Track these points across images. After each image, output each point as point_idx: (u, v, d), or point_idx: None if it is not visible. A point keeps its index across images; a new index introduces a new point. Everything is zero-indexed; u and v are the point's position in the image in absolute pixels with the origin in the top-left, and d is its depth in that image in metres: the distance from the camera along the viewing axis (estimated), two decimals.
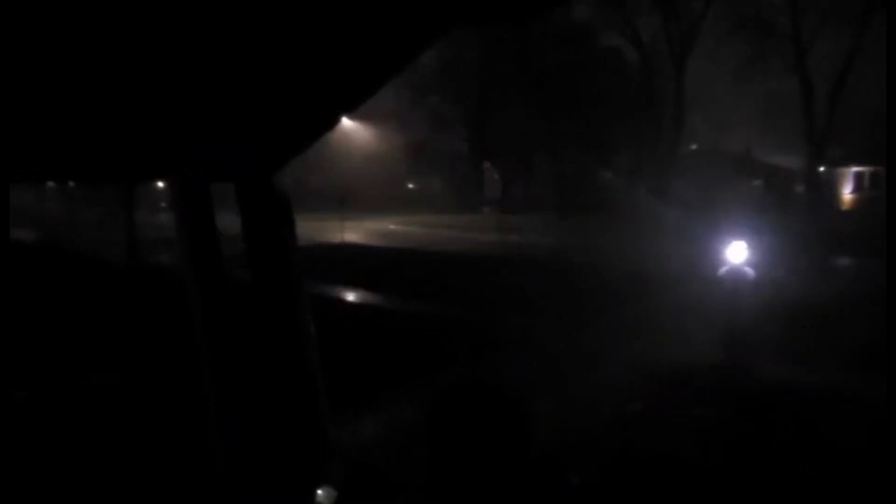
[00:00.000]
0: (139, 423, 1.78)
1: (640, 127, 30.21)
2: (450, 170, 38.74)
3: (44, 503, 1.64)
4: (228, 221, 1.71)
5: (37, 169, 1.44)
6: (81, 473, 1.70)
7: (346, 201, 23.65)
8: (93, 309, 8.11)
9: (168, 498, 1.75)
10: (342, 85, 1.29)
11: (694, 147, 35.39)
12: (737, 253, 6.78)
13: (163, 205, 26.91)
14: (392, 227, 27.06)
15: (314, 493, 1.52)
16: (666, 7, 28.77)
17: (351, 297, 11.46)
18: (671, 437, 4.77)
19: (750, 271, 6.71)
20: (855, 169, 30.54)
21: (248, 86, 1.23)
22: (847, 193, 30.82)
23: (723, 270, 6.82)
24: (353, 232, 22.56)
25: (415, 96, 33.42)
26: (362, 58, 1.17)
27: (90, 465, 1.72)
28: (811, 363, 6.69)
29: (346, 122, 32.97)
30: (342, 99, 1.36)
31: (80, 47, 0.97)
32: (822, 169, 29.71)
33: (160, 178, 1.65)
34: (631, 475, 4.14)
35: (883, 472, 3.64)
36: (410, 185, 42.98)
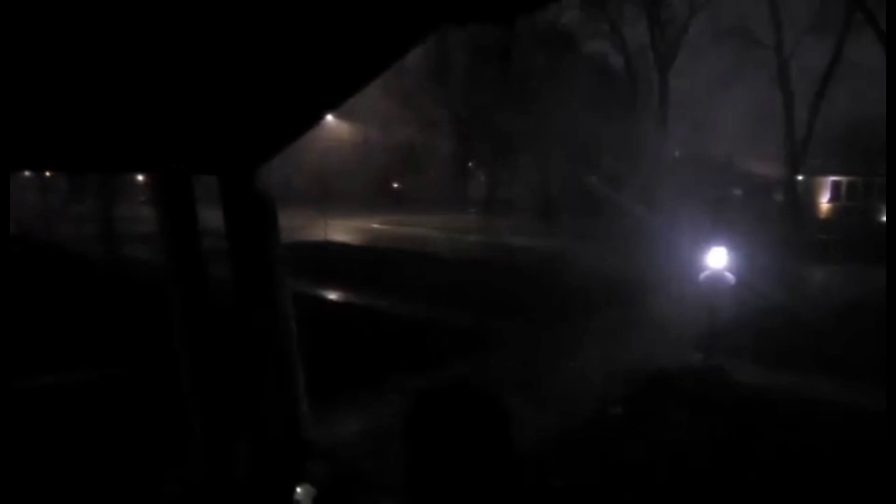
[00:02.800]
0: (117, 420, 1.75)
1: (625, 132, 30.49)
2: (435, 170, 38.75)
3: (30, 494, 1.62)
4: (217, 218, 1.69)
5: (32, 158, 1.43)
6: (50, 471, 1.67)
7: (330, 199, 23.57)
8: (66, 304, 7.98)
9: (150, 494, 1.72)
10: (327, 81, 1.29)
11: (677, 153, 35.81)
12: (716, 258, 6.87)
13: (142, 198, 26.57)
14: (376, 226, 27.01)
15: (293, 491, 1.51)
16: (651, 14, 29.11)
17: (332, 295, 11.41)
18: (651, 438, 4.82)
19: (729, 276, 6.81)
20: (832, 178, 31.13)
21: (232, 80, 1.22)
22: (824, 203, 31.41)
23: (703, 275, 6.90)
24: (337, 230, 22.48)
25: (402, 96, 33.36)
26: (348, 55, 1.16)
27: (63, 465, 1.70)
28: (788, 365, 6.80)
29: (331, 121, 32.84)
30: (327, 95, 1.35)
31: (73, 42, 0.96)
32: (800, 178, 30.24)
33: (144, 170, 1.63)
34: (611, 476, 4.17)
35: (863, 471, 3.71)
36: (396, 185, 42.88)
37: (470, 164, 37.97)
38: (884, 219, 26.07)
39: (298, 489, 1.50)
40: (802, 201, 30.08)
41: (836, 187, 31.15)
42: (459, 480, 1.09)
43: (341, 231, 22.87)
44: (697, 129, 35.12)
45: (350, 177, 36.25)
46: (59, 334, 5.88)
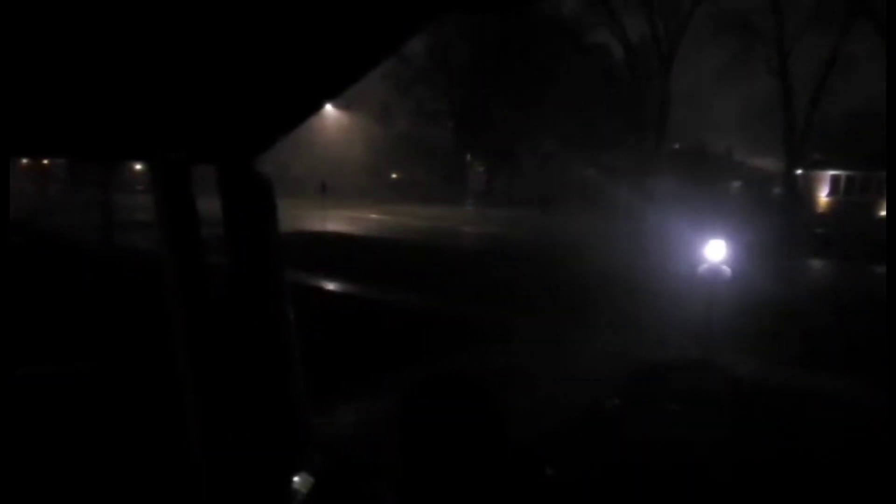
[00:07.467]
0: (110, 411, 1.75)
1: (625, 124, 30.44)
2: (434, 161, 38.71)
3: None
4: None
5: (32, 145, 1.43)
6: (47, 462, 1.67)
7: (328, 189, 23.57)
8: (63, 292, 7.97)
9: (145, 484, 1.73)
10: (328, 69, 1.28)
11: (677, 146, 35.79)
12: (715, 251, 6.87)
13: (139, 187, 26.55)
14: (374, 216, 27.01)
15: (291, 481, 1.51)
16: (652, 6, 28.99)
17: (330, 285, 11.41)
18: (647, 431, 4.84)
19: (727, 269, 6.81)
20: (831, 173, 31.11)
21: (231, 67, 1.21)
22: (823, 197, 31.42)
23: (701, 268, 6.91)
24: (336, 221, 22.48)
25: (401, 87, 33.25)
26: (348, 42, 1.15)
27: (59, 453, 1.70)
28: (786, 360, 6.83)
29: (330, 110, 32.75)
30: (328, 83, 1.34)
31: (71, 29, 0.96)
32: (799, 172, 30.24)
33: (143, 158, 1.63)
34: (606, 469, 4.19)
35: (863, 467, 3.73)
36: (394, 176, 42.83)
37: (469, 155, 37.91)
38: (883, 213, 26.12)
39: (296, 478, 1.51)
40: (801, 195, 30.10)
41: (835, 181, 31.14)
42: (454, 469, 1.09)
43: (340, 221, 22.89)
44: (697, 122, 35.11)
45: (348, 167, 36.20)
46: (56, 325, 5.88)
